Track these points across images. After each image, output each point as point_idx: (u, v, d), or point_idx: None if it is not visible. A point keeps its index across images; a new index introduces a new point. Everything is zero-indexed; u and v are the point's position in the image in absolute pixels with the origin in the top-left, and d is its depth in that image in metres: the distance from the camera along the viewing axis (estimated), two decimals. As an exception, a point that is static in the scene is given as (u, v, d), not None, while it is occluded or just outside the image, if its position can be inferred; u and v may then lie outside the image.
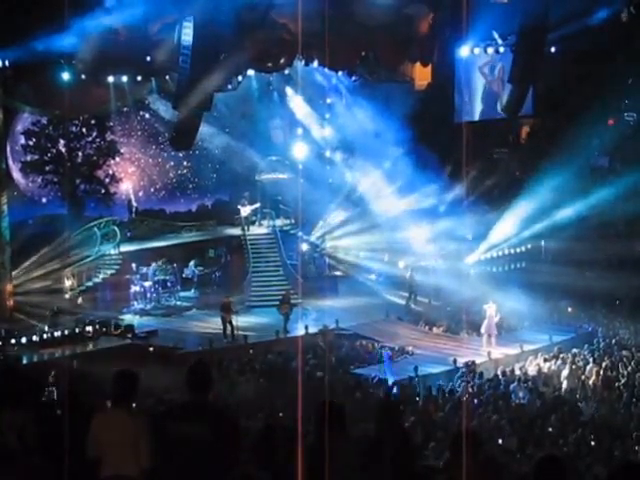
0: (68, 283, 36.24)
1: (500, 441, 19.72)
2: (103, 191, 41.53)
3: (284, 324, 33.00)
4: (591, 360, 28.47)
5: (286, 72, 40.58)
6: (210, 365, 8.93)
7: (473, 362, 29.20)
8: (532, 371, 28.00)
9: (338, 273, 41.60)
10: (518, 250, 41.88)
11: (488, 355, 30.43)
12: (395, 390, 25.54)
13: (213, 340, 31.43)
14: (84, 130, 41.24)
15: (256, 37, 34.92)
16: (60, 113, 38.14)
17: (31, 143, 40.41)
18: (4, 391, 9.21)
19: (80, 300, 35.69)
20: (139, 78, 37.55)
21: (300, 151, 43.36)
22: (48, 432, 8.88)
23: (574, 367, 27.64)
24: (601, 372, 27.00)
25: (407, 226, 41.11)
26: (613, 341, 31.52)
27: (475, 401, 24.32)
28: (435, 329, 34.50)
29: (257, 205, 41.30)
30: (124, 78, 37.16)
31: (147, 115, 44.31)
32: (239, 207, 40.79)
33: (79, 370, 23.73)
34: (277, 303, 34.07)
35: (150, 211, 44.08)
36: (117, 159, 42.71)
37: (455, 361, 29.24)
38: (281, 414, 19.90)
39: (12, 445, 8.87)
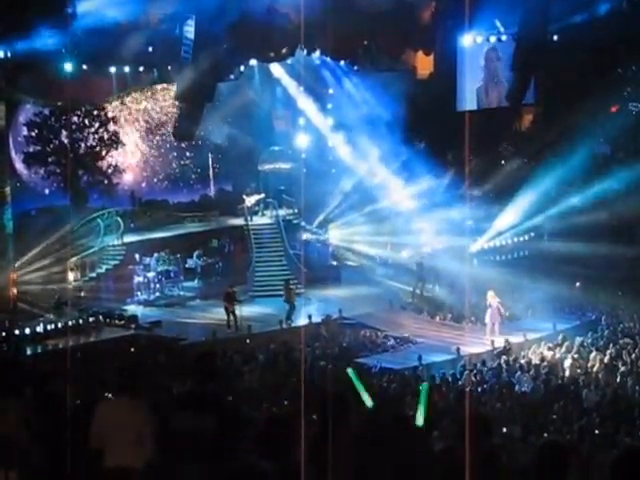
0: (71, 274, 36.24)
1: (504, 429, 19.73)
2: (106, 182, 41.46)
3: (288, 313, 33.00)
4: (595, 348, 28.47)
5: (288, 62, 40.55)
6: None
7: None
8: (536, 359, 27.97)
9: (341, 262, 41.61)
10: (521, 239, 41.85)
11: (492, 344, 30.44)
12: None
13: (216, 330, 31.42)
14: (86, 121, 41.16)
15: (258, 27, 34.88)
16: (62, 104, 38.14)
17: (33, 134, 40.35)
18: (9, 381, 9.24)
19: (83, 291, 35.69)
20: (141, 69, 37.54)
21: (302, 141, 43.38)
22: (52, 422, 8.91)
23: (578, 355, 27.65)
24: (605, 360, 27.00)
25: (410, 215, 41.15)
26: (617, 329, 31.50)
27: (479, 389, 24.35)
28: (438, 318, 34.51)
29: (262, 195, 41.33)
30: (126, 69, 37.14)
31: (149, 106, 44.26)
32: (244, 197, 40.83)
33: (83, 361, 23.74)
34: (282, 293, 34.17)
35: (153, 202, 44.08)
36: (120, 150, 42.66)
37: (459, 350, 29.27)
38: (286, 402, 19.92)
39: (19, 434, 8.90)
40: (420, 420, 7.89)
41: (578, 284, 37.10)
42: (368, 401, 7.82)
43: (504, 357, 28.14)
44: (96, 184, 41.45)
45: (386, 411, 9.07)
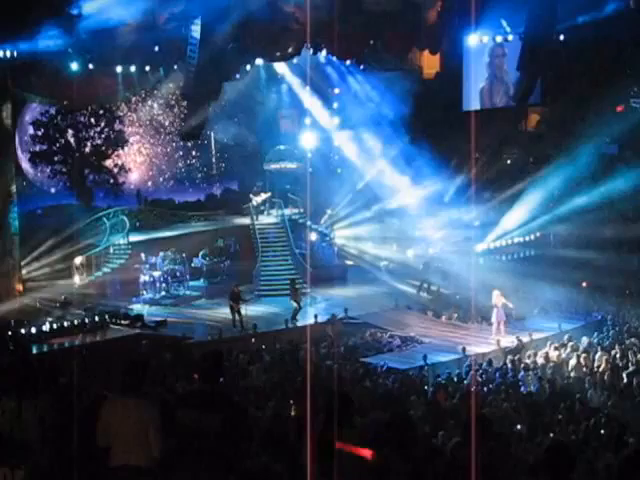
0: (77, 273, 36.27)
1: (509, 429, 19.71)
2: (112, 181, 41.53)
3: (293, 313, 33.00)
4: (600, 348, 28.42)
5: (294, 61, 40.54)
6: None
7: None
8: (541, 359, 27.94)
9: (347, 262, 41.62)
10: (527, 238, 41.82)
11: (497, 343, 30.43)
12: None
13: (222, 329, 31.44)
14: (92, 120, 41.25)
15: (264, 26, 34.87)
16: (68, 103, 38.21)
17: (40, 133, 40.42)
18: (25, 381, 9.25)
19: (89, 290, 35.70)
20: (147, 68, 37.57)
21: (308, 140, 43.36)
22: (61, 422, 8.92)
23: (583, 355, 27.60)
24: (611, 360, 26.96)
25: (416, 215, 41.16)
26: (623, 329, 31.47)
27: (485, 389, 24.33)
28: (444, 318, 34.50)
29: (269, 194, 41.35)
30: (132, 68, 37.16)
31: (155, 105, 44.32)
32: (251, 196, 40.84)
33: (89, 360, 23.76)
34: (287, 292, 34.19)
35: (159, 201, 44.15)
36: (126, 149, 42.72)
37: (464, 350, 29.25)
38: (292, 401, 19.91)
39: (33, 433, 8.93)
40: None
41: (584, 284, 37.08)
42: None
43: (515, 356, 28.12)
44: (102, 183, 41.54)
45: (390, 411, 9.08)
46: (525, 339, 30.77)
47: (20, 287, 34.48)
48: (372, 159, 43.26)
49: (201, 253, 38.35)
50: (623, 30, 37.29)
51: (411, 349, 30.59)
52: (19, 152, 40.52)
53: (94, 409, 8.87)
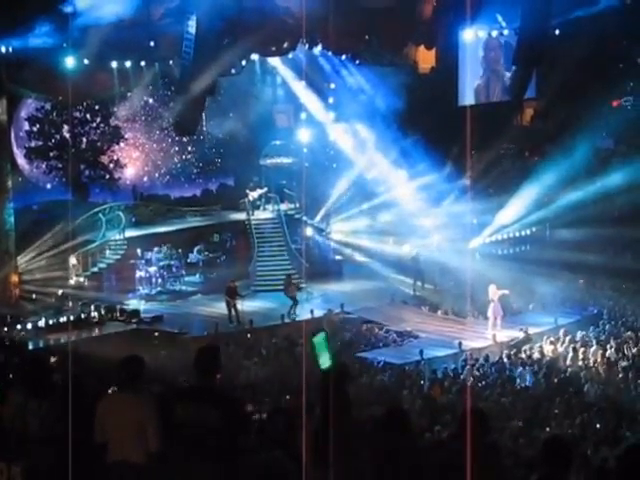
0: (73, 269, 36.23)
1: (506, 424, 19.73)
2: (107, 177, 41.47)
3: (289, 308, 33.02)
4: (596, 342, 28.46)
5: (290, 56, 40.47)
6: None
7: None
8: (537, 354, 27.98)
9: (343, 257, 41.58)
10: (523, 233, 41.82)
11: (494, 338, 30.45)
12: None
13: (219, 325, 31.45)
14: (88, 116, 41.18)
15: (259, 21, 34.82)
16: (64, 99, 38.13)
17: (35, 129, 40.37)
18: (32, 379, 9.26)
19: (85, 286, 35.69)
20: (143, 63, 37.54)
21: (304, 135, 43.30)
22: (58, 418, 8.93)
23: (580, 349, 27.63)
24: (606, 354, 27.00)
25: (412, 209, 41.12)
26: (619, 323, 31.49)
27: (481, 384, 24.36)
28: (440, 312, 34.50)
29: (264, 190, 41.31)
30: (128, 63, 37.13)
31: (151, 100, 44.26)
32: (247, 191, 40.78)
33: (85, 355, 23.75)
34: (283, 287, 34.19)
35: (155, 196, 44.13)
36: (121, 144, 42.65)
37: (460, 344, 29.28)
38: (288, 397, 19.93)
39: (35, 432, 8.93)
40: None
41: (580, 278, 37.08)
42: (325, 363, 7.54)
43: (512, 350, 28.16)
44: (98, 179, 41.48)
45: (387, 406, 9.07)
46: (521, 334, 30.81)
47: (16, 283, 34.45)
48: (368, 154, 43.19)
49: (197, 248, 38.38)
50: (619, 25, 37.31)
51: (407, 344, 30.61)
52: (14, 148, 40.45)
53: (91, 405, 8.87)
